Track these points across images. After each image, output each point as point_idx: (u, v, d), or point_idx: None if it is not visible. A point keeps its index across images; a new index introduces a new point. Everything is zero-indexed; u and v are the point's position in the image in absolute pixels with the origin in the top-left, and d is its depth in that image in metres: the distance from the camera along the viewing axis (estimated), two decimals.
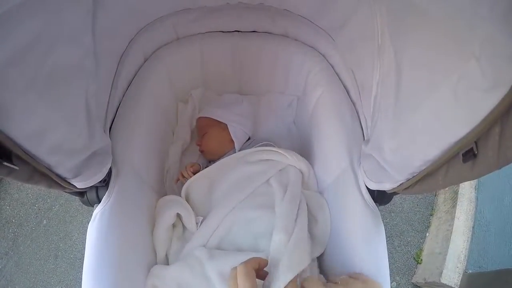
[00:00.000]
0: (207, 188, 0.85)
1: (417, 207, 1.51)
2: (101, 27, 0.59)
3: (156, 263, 0.75)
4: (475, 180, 1.44)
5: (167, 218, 0.76)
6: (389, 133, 0.55)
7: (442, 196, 1.53)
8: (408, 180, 0.52)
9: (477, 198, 1.39)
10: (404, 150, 0.51)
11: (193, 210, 0.81)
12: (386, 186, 0.60)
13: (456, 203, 1.41)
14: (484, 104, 0.32)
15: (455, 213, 1.38)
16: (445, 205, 1.48)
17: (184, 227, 0.81)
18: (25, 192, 1.56)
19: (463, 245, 1.31)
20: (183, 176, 0.88)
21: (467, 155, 0.36)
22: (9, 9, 0.33)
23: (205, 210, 0.81)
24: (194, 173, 0.85)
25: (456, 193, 1.44)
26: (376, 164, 0.62)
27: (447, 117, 0.39)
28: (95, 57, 0.56)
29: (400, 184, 0.55)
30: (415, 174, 0.50)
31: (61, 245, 1.43)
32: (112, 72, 0.75)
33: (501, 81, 0.30)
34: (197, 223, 0.78)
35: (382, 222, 0.66)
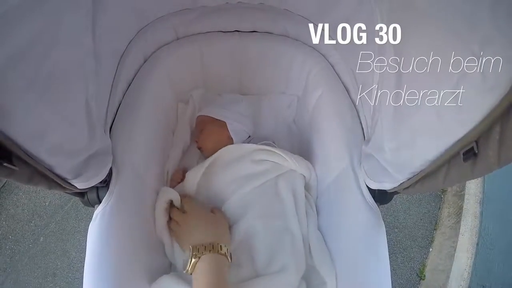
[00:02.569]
0: (206, 173, 0.85)
1: (421, 221, 1.49)
2: (101, 27, 0.59)
3: (157, 262, 0.75)
4: (480, 194, 1.42)
5: (161, 205, 0.78)
6: (390, 133, 0.55)
7: (446, 210, 1.51)
8: (408, 179, 0.52)
9: (481, 214, 1.37)
10: (404, 150, 0.51)
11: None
12: (387, 186, 0.60)
13: (460, 219, 1.38)
14: (484, 104, 0.32)
15: (459, 229, 1.36)
16: (449, 220, 1.46)
17: None
18: (21, 208, 1.53)
19: (467, 263, 1.28)
20: (176, 180, 0.89)
21: (468, 154, 0.36)
22: (8, 10, 0.33)
23: (202, 199, 0.83)
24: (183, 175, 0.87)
25: (460, 208, 1.42)
26: (377, 164, 0.62)
27: (447, 117, 0.39)
28: (95, 57, 0.56)
29: (401, 184, 0.55)
30: (415, 174, 0.50)
31: (58, 263, 1.40)
32: (112, 73, 0.75)
33: (501, 81, 0.30)
34: None
35: (383, 221, 0.66)
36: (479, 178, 1.45)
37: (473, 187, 1.47)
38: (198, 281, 0.59)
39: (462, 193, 1.49)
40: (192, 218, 0.71)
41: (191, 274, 0.61)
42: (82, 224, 1.47)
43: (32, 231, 1.47)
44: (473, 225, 1.35)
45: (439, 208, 1.53)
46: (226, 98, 1.04)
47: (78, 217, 1.48)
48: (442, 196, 1.56)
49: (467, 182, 1.49)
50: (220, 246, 0.63)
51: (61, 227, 1.47)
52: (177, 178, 0.89)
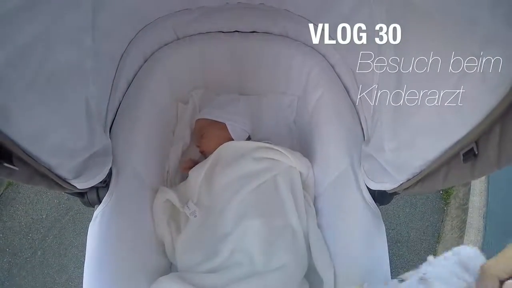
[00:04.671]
0: (208, 173, 0.87)
1: (424, 235, 1.47)
2: (101, 28, 0.59)
3: (157, 263, 0.75)
4: (483, 208, 1.39)
5: (159, 204, 0.79)
6: (390, 134, 0.55)
7: (450, 223, 1.49)
8: (408, 180, 0.52)
9: (485, 228, 1.35)
10: (404, 151, 0.51)
11: (192, 193, 0.84)
12: (387, 186, 0.60)
13: (464, 233, 1.37)
14: (484, 104, 0.32)
15: (462, 243, 1.34)
16: (452, 234, 1.44)
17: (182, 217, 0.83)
18: (18, 220, 1.49)
19: None
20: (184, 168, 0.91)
21: (468, 155, 0.36)
22: (9, 10, 0.33)
23: (204, 198, 0.84)
24: (189, 168, 0.89)
25: (464, 221, 1.40)
26: (377, 164, 0.62)
27: (447, 118, 0.39)
28: (95, 57, 0.56)
29: (401, 184, 0.55)
30: (415, 174, 0.50)
31: (57, 278, 1.38)
32: (112, 73, 0.75)
33: (501, 81, 0.30)
34: (188, 207, 0.81)
35: (383, 222, 0.66)
36: (483, 191, 1.44)
37: (477, 200, 1.46)
38: None
39: (466, 206, 1.47)
40: None
41: None
42: (79, 239, 1.43)
43: (29, 244, 1.44)
44: (476, 240, 1.34)
45: (442, 221, 1.52)
46: (224, 99, 1.04)
47: (76, 231, 1.45)
48: (445, 208, 1.55)
49: (471, 195, 1.48)
50: None
51: (59, 241, 1.44)
52: (187, 165, 0.91)
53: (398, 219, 1.46)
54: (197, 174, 0.84)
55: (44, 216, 1.50)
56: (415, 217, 1.49)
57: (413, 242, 1.45)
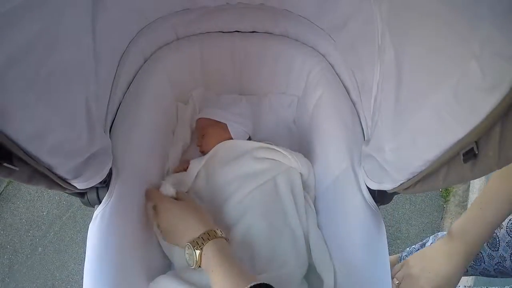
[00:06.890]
0: (208, 170, 0.87)
1: (423, 232, 1.48)
2: (101, 27, 0.59)
3: (157, 262, 0.75)
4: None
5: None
6: (390, 134, 0.55)
7: (449, 220, 1.49)
8: (408, 180, 0.52)
9: None
10: (404, 150, 0.51)
11: (188, 180, 0.85)
12: (387, 186, 0.60)
13: None
14: (484, 104, 0.32)
15: None
16: None
17: None
18: (19, 217, 1.50)
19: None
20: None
21: (468, 155, 0.36)
22: (8, 10, 0.33)
23: (203, 195, 0.84)
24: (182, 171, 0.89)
25: None
26: (377, 164, 0.62)
27: (447, 117, 0.39)
28: (95, 57, 0.56)
29: (401, 184, 0.55)
30: (415, 174, 0.50)
31: (57, 274, 1.38)
32: (112, 73, 0.75)
33: (501, 81, 0.29)
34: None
35: (383, 222, 0.66)
36: (481, 188, 1.44)
37: (476, 197, 1.45)
38: (215, 272, 0.58)
39: (465, 203, 1.47)
40: (171, 217, 0.69)
41: (199, 267, 0.62)
42: (80, 236, 1.44)
43: (30, 241, 1.45)
44: None
45: (442, 218, 1.52)
46: (226, 99, 1.04)
47: (76, 228, 1.45)
48: (444, 206, 1.55)
49: (470, 192, 1.48)
50: (215, 231, 0.64)
51: (59, 238, 1.45)
52: (179, 169, 0.90)
53: (398, 216, 1.46)
54: (197, 164, 0.86)
55: (45, 213, 1.51)
56: (414, 214, 1.49)
57: (413, 240, 1.46)
